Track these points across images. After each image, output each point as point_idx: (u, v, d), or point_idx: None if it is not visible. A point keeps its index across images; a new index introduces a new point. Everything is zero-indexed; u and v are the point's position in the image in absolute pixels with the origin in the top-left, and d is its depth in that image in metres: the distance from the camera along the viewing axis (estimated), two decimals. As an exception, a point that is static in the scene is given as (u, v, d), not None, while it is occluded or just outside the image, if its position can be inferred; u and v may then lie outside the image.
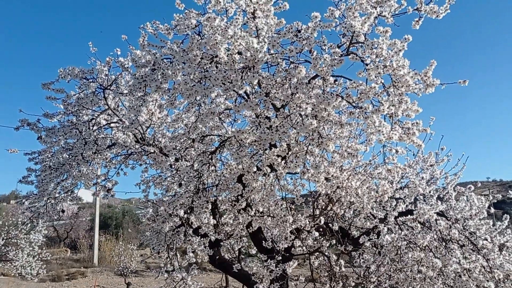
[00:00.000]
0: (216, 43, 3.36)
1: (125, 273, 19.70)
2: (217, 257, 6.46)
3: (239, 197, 4.72)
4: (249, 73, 3.42)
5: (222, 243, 6.69)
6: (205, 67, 3.63)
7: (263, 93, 3.69)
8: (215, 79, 3.45)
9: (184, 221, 5.85)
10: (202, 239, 6.01)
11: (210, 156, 4.62)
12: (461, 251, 5.44)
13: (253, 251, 7.65)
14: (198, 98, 3.76)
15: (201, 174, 4.58)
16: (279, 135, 3.63)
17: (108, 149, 5.09)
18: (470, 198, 5.86)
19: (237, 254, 7.07)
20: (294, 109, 3.57)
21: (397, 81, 3.33)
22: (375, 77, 3.33)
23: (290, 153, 4.16)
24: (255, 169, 4.34)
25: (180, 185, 4.87)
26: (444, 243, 5.55)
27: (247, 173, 4.31)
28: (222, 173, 4.95)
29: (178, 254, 6.69)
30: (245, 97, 4.22)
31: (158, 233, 6.62)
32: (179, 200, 4.64)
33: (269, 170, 4.30)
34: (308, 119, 3.48)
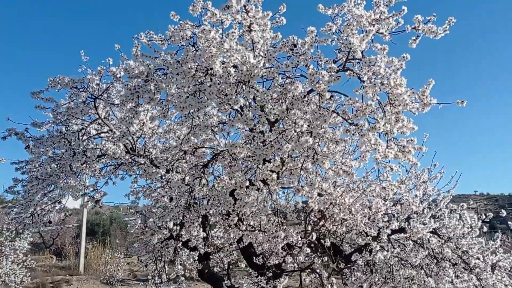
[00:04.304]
0: (211, 55, 3.29)
1: (111, 282, 19.41)
2: (206, 271, 6.35)
3: (231, 211, 4.62)
4: (244, 88, 3.35)
5: (211, 257, 6.57)
6: (199, 80, 3.55)
7: (258, 108, 3.62)
8: (210, 92, 3.37)
9: (174, 235, 5.74)
10: (191, 252, 5.89)
11: (202, 170, 4.53)
12: (453, 270, 5.39)
13: (243, 264, 7.54)
14: (192, 111, 3.68)
15: (193, 188, 4.48)
16: (274, 151, 3.56)
17: (97, 159, 4.97)
18: (462, 216, 5.83)
19: (226, 268, 6.97)
20: (290, 125, 3.50)
21: (394, 100, 3.28)
22: (372, 94, 3.28)
23: (284, 168, 4.09)
24: (247, 184, 4.26)
25: (171, 199, 4.77)
26: (436, 262, 5.50)
27: (239, 188, 4.22)
28: (214, 186, 4.86)
29: (166, 266, 6.57)
30: (239, 110, 4.14)
31: (146, 245, 6.49)
32: (170, 214, 4.54)
33: (262, 185, 4.21)
34: (303, 136, 3.41)
